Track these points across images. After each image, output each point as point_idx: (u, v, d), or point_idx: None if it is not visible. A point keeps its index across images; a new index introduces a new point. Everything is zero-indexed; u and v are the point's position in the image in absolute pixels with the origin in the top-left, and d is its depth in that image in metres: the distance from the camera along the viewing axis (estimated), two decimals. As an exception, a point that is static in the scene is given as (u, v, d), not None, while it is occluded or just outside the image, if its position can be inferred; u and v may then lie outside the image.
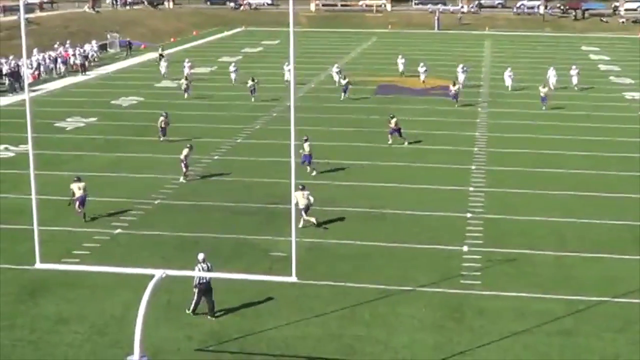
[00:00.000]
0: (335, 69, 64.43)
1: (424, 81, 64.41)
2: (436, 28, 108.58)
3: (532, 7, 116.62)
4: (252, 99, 56.58)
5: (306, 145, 38.11)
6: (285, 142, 38.92)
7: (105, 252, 28.70)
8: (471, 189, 36.35)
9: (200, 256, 23.84)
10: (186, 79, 60.32)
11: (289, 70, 59.38)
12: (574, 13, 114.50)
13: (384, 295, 25.21)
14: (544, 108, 53.93)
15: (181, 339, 22.37)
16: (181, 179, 37.21)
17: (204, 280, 23.42)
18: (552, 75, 62.00)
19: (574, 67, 64.18)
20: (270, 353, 21.59)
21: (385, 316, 23.81)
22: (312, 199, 31.22)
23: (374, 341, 22.30)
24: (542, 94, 54.49)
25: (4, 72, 63.68)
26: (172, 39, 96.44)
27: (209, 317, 23.68)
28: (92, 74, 71.54)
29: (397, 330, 22.96)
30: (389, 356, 21.51)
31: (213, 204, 34.25)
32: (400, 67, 69.33)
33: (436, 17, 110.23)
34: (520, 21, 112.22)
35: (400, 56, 70.88)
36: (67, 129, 48.90)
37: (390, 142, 44.51)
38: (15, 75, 63.21)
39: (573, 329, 23.10)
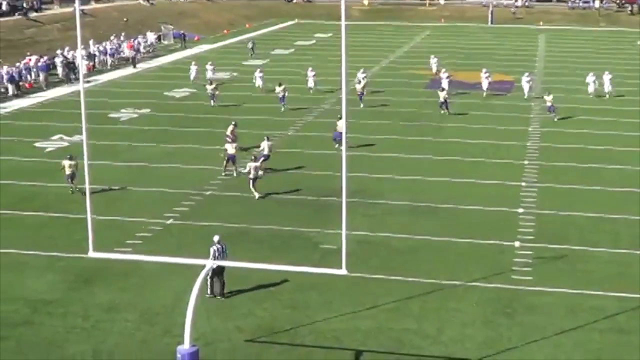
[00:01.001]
0: (360, 75, 57.13)
1: (435, 73, 64.25)
2: (490, 22, 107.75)
3: (587, 2, 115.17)
4: (282, 109, 51.22)
5: (265, 145, 37.50)
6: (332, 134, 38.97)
7: (158, 241, 28.95)
8: (523, 184, 36.05)
9: (216, 238, 24.40)
10: (210, 83, 55.17)
11: (314, 76, 57.65)
12: (629, 7, 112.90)
13: (434, 289, 25.13)
14: (555, 119, 48.84)
15: (231, 330, 22.49)
16: (235, 173, 37.22)
17: (219, 265, 23.84)
18: (591, 81, 56.82)
19: (607, 72, 58.47)
20: (320, 345, 21.63)
21: (435, 310, 23.73)
22: (261, 172, 34.17)
23: (423, 335, 22.25)
24: (548, 103, 49.51)
25: (59, 63, 64.36)
26: (225, 31, 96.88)
27: (217, 297, 24.05)
28: (145, 65, 72.15)
29: (447, 324, 22.87)
30: (439, 350, 21.44)
31: (265, 195, 34.33)
32: (434, 68, 66.51)
33: (490, 11, 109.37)
34: (575, 15, 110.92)
35: (432, 56, 69.14)
36: (121, 119, 49.37)
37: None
38: (71, 66, 63.99)
39: (626, 327, 22.82)
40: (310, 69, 59.03)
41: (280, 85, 51.75)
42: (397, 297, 24.55)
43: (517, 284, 25.55)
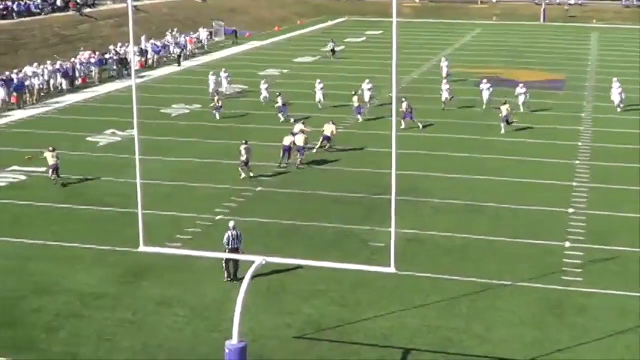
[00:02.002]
0: (366, 86, 53.52)
1: (447, 75, 61.49)
2: (542, 20, 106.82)
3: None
4: (281, 118, 48.05)
5: (243, 149, 36.67)
6: (387, 132, 38.90)
7: (207, 237, 29.08)
8: (574, 184, 35.68)
9: (231, 224, 25.59)
10: (216, 93, 52.05)
11: (322, 89, 51.54)
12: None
13: (483, 289, 24.96)
14: (502, 130, 45.37)
15: (280, 326, 22.53)
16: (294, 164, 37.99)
17: (234, 246, 24.97)
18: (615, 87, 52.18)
19: (615, 79, 53.60)
20: (368, 343, 21.58)
21: (483, 310, 23.57)
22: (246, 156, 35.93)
23: (471, 335, 22.11)
24: (504, 112, 45.50)
25: (111, 59, 64.91)
26: (276, 28, 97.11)
27: (233, 281, 24.77)
28: (195, 62, 72.59)
29: (495, 324, 22.70)
30: (487, 350, 21.29)
31: (314, 192, 34.39)
32: (444, 71, 61.89)
33: (543, 9, 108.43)
34: (630, 14, 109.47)
35: (443, 59, 64.91)
36: (172, 115, 49.70)
37: (402, 126, 44.79)
38: (123, 61, 64.58)
39: (678, 331, 22.49)
40: (318, 80, 54.22)
41: (279, 95, 48.99)
42: (446, 296, 24.43)
43: (567, 285, 25.28)
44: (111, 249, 28.16)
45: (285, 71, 67.40)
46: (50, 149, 35.87)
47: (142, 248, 21.24)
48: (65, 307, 23.62)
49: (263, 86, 52.90)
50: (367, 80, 53.79)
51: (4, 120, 48.60)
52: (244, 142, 37.06)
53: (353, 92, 50.39)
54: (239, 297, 18.97)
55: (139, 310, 23.48)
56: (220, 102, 48.93)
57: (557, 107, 52.08)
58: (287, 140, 38.64)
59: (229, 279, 25.31)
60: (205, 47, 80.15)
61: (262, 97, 52.24)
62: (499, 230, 29.96)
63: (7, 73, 53.92)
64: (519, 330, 22.38)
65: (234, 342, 18.94)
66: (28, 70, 55.63)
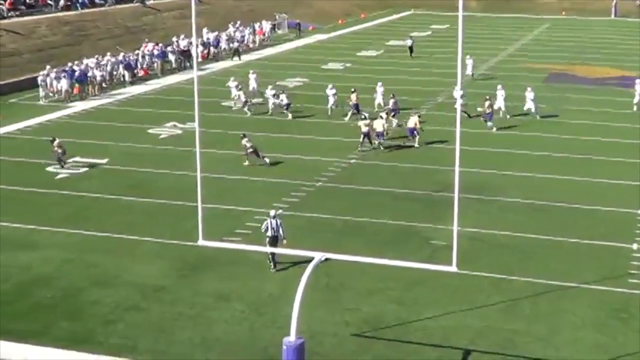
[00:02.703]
0: (330, 91, 48.42)
1: (472, 74, 60.06)
2: (613, 15, 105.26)
3: None
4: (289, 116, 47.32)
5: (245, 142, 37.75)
6: (451, 129, 38.71)
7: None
8: (644, 184, 35.16)
9: (272, 212, 26.26)
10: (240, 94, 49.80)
11: (334, 95, 48.03)
12: None
13: (547, 290, 24.72)
14: (490, 126, 44.31)
15: (338, 323, 22.57)
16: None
17: (273, 234, 25.75)
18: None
19: (638, 80, 51.06)
20: (427, 343, 21.52)
21: (546, 312, 23.35)
22: (248, 144, 37.22)
23: (534, 337, 21.91)
24: (486, 110, 44.38)
25: (171, 50, 65.43)
26: (339, 21, 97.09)
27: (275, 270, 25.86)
28: (255, 55, 72.95)
29: (559, 327, 22.48)
30: (550, 353, 21.08)
31: (376, 188, 34.37)
32: (469, 69, 59.59)
33: (614, 4, 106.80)
34: None
35: (468, 56, 60.56)
36: (234, 108, 49.96)
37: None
38: (185, 54, 65.09)
39: None
40: (330, 86, 51.23)
41: (354, 90, 47.81)
42: (508, 296, 24.25)
43: (634, 288, 24.92)
44: (170, 242, 28.46)
45: (348, 65, 67.37)
46: (51, 138, 37.85)
47: (201, 242, 21.43)
48: (123, 300, 23.94)
49: (252, 78, 52.78)
50: (329, 86, 49.26)
51: (66, 112, 49.35)
52: (242, 134, 38.44)
53: (352, 90, 48.20)
54: (298, 293, 19.03)
55: (197, 304, 23.70)
56: (246, 98, 49.03)
57: (629, 105, 51.12)
58: (364, 127, 40.01)
59: (275, 270, 25.83)
60: (269, 39, 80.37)
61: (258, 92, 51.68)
62: (564, 230, 29.63)
63: (70, 64, 54.72)
64: (583, 334, 22.13)
65: (291, 338, 19.01)
66: (90, 61, 56.43)
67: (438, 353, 21.04)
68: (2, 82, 55.18)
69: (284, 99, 47.83)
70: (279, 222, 26.06)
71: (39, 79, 52.62)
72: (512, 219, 30.91)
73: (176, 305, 23.65)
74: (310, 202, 32.77)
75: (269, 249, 24.83)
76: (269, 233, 25.94)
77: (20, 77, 56.11)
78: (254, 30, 79.35)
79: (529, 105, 47.74)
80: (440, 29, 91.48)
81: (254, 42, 77.18)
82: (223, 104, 50.67)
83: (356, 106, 46.00)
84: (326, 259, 20.01)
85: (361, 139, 40.08)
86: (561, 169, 37.25)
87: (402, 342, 21.56)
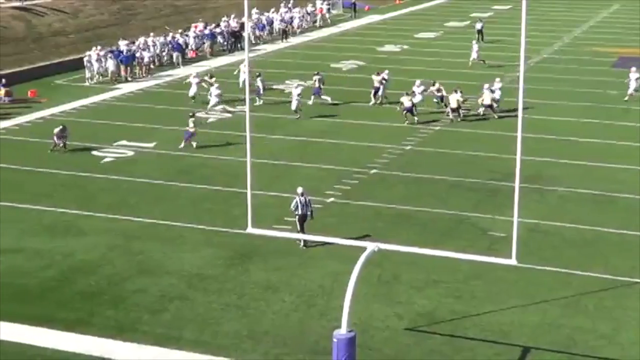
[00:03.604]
0: (295, 90, 45.04)
1: (483, 60, 57.88)
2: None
3: None
4: (256, 101, 45.92)
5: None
6: (512, 115, 38.44)
7: (317, 220, 29.16)
8: None
9: (299, 190, 27.31)
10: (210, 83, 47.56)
11: (299, 95, 44.15)
12: None
13: (611, 286, 24.47)
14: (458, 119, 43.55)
15: (390, 317, 22.55)
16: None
17: (303, 212, 26.99)
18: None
19: (633, 69, 49.46)
20: (485, 339, 21.42)
21: (611, 309, 23.11)
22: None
23: (597, 335, 21.71)
24: (406, 104, 42.67)
25: (220, 31, 65.64)
26: (396, 1, 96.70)
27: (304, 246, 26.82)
28: (314, 35, 72.92)
29: (624, 325, 22.23)
30: (615, 353, 20.86)
31: (431, 176, 34.25)
32: (474, 54, 58.32)
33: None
34: None
35: (474, 41, 61.49)
36: (286, 91, 50.04)
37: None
38: (236, 34, 65.24)
39: None
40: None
41: (259, 75, 47.66)
42: (570, 292, 24.04)
43: None
44: (218, 229, 28.63)
45: (405, 47, 67.14)
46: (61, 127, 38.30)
47: (250, 230, 21.49)
48: (169, 288, 24.14)
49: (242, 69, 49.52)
50: (295, 84, 48.39)
51: (112, 94, 49.81)
52: (191, 114, 39.33)
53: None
54: (349, 285, 19.04)
55: (245, 294, 23.82)
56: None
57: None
58: (407, 101, 41.61)
59: (304, 246, 26.82)
60: (325, 20, 79.98)
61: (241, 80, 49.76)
62: (631, 223, 29.28)
63: (118, 44, 55.18)
64: (650, 332, 21.90)
65: (342, 331, 19.03)
66: (138, 42, 56.81)
67: (495, 350, 20.93)
68: (48, 63, 55.88)
69: (259, 83, 47.30)
70: (307, 199, 27.26)
71: (85, 59, 53.13)
72: (574, 210, 30.63)
73: (223, 295, 23.80)
74: (362, 190, 32.75)
75: (320, 238, 24.75)
76: (299, 211, 27.07)
77: (66, 58, 56.72)
78: (307, 11, 79.24)
79: (633, 86, 47.85)
80: (502, 10, 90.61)
81: (307, 22, 77.03)
82: (274, 87, 50.74)
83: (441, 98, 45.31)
84: (379, 250, 19.96)
85: (404, 115, 42.01)
86: (628, 158, 36.78)
87: (457, 338, 21.48)
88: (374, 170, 35.07)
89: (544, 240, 27.82)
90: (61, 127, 38.07)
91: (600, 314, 22.84)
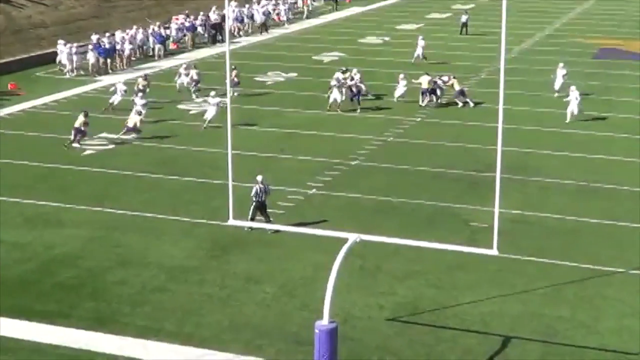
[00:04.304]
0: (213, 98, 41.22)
1: (425, 57, 56.59)
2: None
3: None
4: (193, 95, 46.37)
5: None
6: (494, 106, 38.45)
7: (299, 212, 29.29)
8: (697, 166, 34.80)
9: (259, 177, 27.63)
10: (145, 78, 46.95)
11: (218, 105, 40.42)
12: None
13: (592, 275, 24.57)
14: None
15: (372, 307, 22.60)
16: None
17: (260, 199, 27.43)
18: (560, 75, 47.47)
19: (561, 65, 48.20)
20: (465, 328, 21.49)
21: (591, 298, 23.22)
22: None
23: (577, 324, 21.81)
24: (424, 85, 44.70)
25: (201, 23, 65.49)
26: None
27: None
28: (295, 27, 72.86)
29: (604, 314, 22.35)
30: (594, 341, 20.98)
31: (413, 167, 34.32)
32: (419, 51, 57.01)
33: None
34: None
35: (420, 36, 58.75)
36: (267, 83, 50.03)
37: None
38: (216, 27, 65.13)
39: None
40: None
41: (235, 68, 46.15)
42: (551, 282, 24.14)
43: (684, 274, 24.75)
44: (199, 221, 28.59)
45: (386, 39, 67.18)
46: (84, 112, 37.67)
47: (232, 221, 21.47)
48: (150, 280, 24.10)
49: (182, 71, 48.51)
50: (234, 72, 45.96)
51: (92, 86, 49.65)
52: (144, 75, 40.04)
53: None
54: (331, 276, 19.04)
55: (226, 286, 23.81)
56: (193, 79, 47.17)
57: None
58: (425, 83, 44.20)
59: (250, 230, 27.06)
60: (309, 12, 79.90)
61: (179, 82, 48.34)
62: (612, 214, 29.42)
63: (97, 37, 54.95)
64: (630, 322, 21.97)
65: (324, 322, 19.03)
66: (118, 35, 56.63)
67: (477, 340, 21.01)
68: (28, 55, 55.59)
69: (193, 75, 47.19)
70: (267, 186, 27.73)
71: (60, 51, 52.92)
72: (556, 201, 30.75)
73: (204, 286, 23.78)
74: (344, 181, 32.78)
75: (302, 230, 24.71)
76: (257, 199, 27.52)
77: (47, 50, 56.47)
78: (295, 2, 79.32)
79: (559, 82, 46.46)
80: (483, 2, 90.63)
81: (292, 13, 76.91)
82: (256, 78, 50.71)
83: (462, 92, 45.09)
84: (361, 241, 19.99)
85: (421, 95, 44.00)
86: (608, 149, 36.98)
87: (438, 328, 21.54)
88: (355, 162, 35.10)
89: (525, 230, 27.91)
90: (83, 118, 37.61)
91: (580, 303, 22.94)
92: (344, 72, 45.96)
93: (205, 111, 40.51)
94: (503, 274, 24.52)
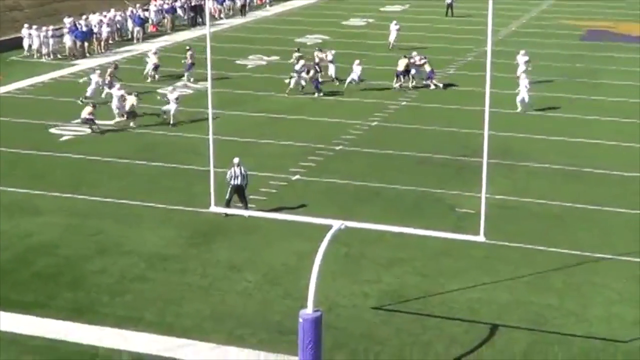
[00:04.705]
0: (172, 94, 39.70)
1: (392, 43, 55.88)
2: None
3: None
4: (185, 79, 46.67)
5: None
6: (480, 89, 38.50)
7: (282, 198, 29.19)
8: (686, 150, 34.87)
9: (235, 160, 27.63)
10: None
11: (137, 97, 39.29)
12: None
13: (580, 262, 24.61)
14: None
15: (357, 295, 22.56)
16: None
17: (236, 183, 27.36)
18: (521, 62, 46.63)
19: (522, 52, 47.54)
20: (451, 317, 21.47)
21: (579, 285, 23.25)
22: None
23: (565, 311, 21.83)
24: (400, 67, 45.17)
25: (181, 5, 65.20)
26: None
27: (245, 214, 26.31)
28: (278, 9, 72.60)
29: (592, 301, 22.37)
30: (582, 329, 20.99)
31: (397, 152, 34.27)
32: (393, 35, 55.92)
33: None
34: None
35: (394, 21, 57.85)
36: (248, 67, 49.84)
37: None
38: (195, 9, 64.87)
39: None
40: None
41: (188, 49, 47.34)
42: (538, 268, 24.15)
43: (673, 260, 24.80)
44: (179, 208, 28.47)
45: (370, 20, 67.03)
46: (91, 102, 38.14)
47: (213, 208, 21.35)
48: (129, 269, 23.98)
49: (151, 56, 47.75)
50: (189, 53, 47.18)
51: (69, 70, 49.35)
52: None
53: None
54: (315, 263, 18.95)
55: (207, 274, 23.71)
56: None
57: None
58: (402, 65, 44.30)
59: (227, 206, 26.69)
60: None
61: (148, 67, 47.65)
62: (599, 198, 29.47)
63: (70, 19, 54.59)
64: (618, 309, 22.02)
65: (308, 311, 18.95)
66: (94, 18, 56.28)
67: (463, 328, 21.00)
68: (3, 38, 55.20)
69: (153, 58, 47.28)
70: (243, 170, 27.59)
71: (27, 34, 52.58)
72: (543, 186, 30.76)
73: (185, 275, 23.67)
74: (328, 166, 32.70)
75: (285, 217, 24.62)
76: (233, 182, 27.39)
77: (21, 34, 56.05)
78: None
79: (520, 69, 45.09)
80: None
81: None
82: (237, 62, 50.54)
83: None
84: (345, 227, 19.92)
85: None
86: (595, 133, 37.02)
87: (424, 316, 21.52)
88: (339, 147, 35.01)
89: (512, 216, 27.91)
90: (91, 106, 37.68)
91: (568, 290, 22.96)
92: (320, 51, 46.46)
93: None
94: (490, 261, 24.51)
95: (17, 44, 54.57)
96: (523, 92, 40.77)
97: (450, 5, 68.66)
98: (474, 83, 43.55)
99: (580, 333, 20.83)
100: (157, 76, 46.40)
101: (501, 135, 34.59)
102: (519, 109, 40.51)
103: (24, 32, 52.89)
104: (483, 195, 18.96)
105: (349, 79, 44.21)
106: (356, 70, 44.34)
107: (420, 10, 72.38)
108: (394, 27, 56.30)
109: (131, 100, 37.96)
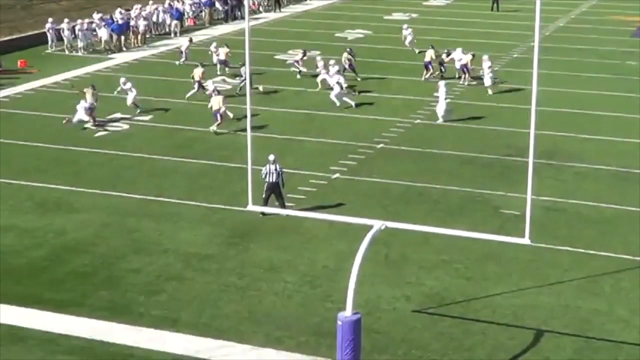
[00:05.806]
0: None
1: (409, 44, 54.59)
2: None
3: None
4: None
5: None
6: (527, 87, 38.32)
7: (321, 197, 29.26)
8: None
9: (271, 157, 27.72)
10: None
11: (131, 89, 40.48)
12: None
13: (630, 267, 24.45)
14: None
15: (398, 298, 22.58)
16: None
17: (272, 180, 27.44)
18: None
19: (485, 57, 45.03)
20: (496, 321, 21.44)
21: (629, 291, 23.10)
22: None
23: (614, 318, 21.72)
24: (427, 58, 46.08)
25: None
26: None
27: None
28: (317, 2, 72.67)
29: (642, 307, 22.29)
30: (632, 336, 20.87)
31: (441, 151, 34.23)
32: (408, 39, 54.51)
33: None
34: None
35: (405, 25, 56.57)
36: (288, 62, 49.94)
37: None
38: (234, 3, 65.07)
39: None
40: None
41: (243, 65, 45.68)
42: (586, 273, 24.04)
43: None
44: (217, 206, 28.62)
45: (414, 15, 66.92)
46: (92, 86, 38.54)
47: (251, 207, 21.45)
48: (166, 268, 24.16)
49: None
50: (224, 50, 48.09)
51: (105, 64, 49.74)
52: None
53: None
54: (355, 265, 19.01)
55: (245, 275, 23.83)
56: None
57: None
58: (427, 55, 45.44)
59: (262, 215, 26.97)
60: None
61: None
62: (650, 201, 29.31)
63: (99, 15, 54.98)
64: (669, 315, 21.91)
65: (347, 313, 19.02)
66: (133, 11, 56.71)
67: (508, 333, 20.95)
68: (38, 32, 55.67)
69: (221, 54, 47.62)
70: (278, 167, 27.69)
71: (62, 28, 53.07)
72: (591, 188, 30.59)
73: (222, 275, 23.82)
74: (369, 165, 32.73)
75: (325, 216, 24.64)
76: (268, 179, 27.54)
77: (57, 26, 56.52)
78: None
79: (486, 76, 43.78)
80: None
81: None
82: (276, 57, 50.67)
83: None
84: (386, 228, 19.95)
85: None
86: (647, 133, 36.79)
87: (468, 320, 21.50)
88: (381, 145, 35.03)
89: (559, 218, 27.80)
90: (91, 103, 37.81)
91: (617, 296, 22.83)
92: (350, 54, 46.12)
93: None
94: (536, 264, 24.44)
95: (53, 37, 55.03)
96: (487, 76, 43.19)
97: (496, 1, 68.40)
98: (520, 80, 43.33)
99: (628, 340, 20.72)
100: (227, 69, 46.87)
101: (549, 135, 34.49)
102: (490, 92, 42.65)
103: (49, 25, 53.23)
104: (529, 196, 18.90)
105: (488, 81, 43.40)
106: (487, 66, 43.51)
107: (465, 4, 72.10)
108: (405, 32, 54.71)
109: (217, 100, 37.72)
